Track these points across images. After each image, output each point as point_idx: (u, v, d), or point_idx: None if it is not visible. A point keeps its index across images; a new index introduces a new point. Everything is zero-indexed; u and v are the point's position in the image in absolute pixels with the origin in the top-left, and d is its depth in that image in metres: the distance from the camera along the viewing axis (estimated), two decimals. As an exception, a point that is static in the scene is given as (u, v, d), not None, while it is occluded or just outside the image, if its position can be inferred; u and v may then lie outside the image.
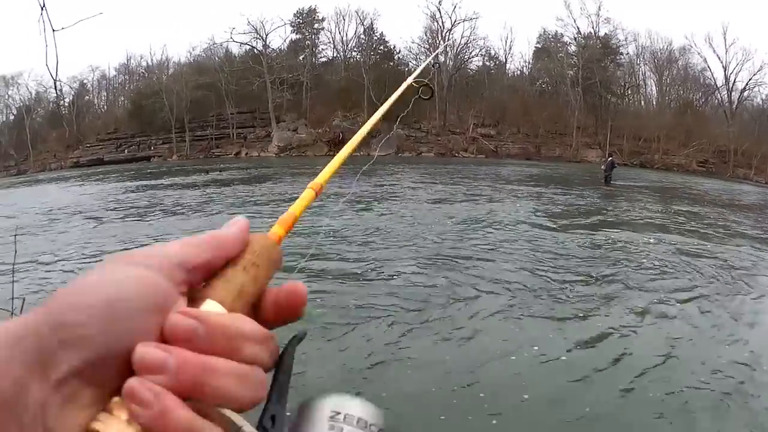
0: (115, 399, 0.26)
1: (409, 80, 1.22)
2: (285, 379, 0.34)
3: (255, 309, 0.34)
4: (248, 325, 0.30)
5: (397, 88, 1.13)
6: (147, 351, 0.26)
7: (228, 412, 0.29)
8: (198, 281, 0.32)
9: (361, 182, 18.94)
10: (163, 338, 0.28)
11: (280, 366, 0.34)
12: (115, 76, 59.31)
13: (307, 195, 0.51)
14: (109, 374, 0.26)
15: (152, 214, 11.57)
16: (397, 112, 1.24)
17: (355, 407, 0.33)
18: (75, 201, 14.53)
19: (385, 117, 0.93)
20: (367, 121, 0.83)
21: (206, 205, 12.99)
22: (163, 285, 0.29)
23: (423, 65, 1.36)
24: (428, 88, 1.25)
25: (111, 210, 12.19)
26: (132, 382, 0.26)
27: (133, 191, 17.51)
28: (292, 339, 0.36)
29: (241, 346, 0.29)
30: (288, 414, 0.33)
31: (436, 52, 1.64)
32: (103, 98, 61.22)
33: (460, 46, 44.50)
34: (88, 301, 0.26)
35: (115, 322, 0.26)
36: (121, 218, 10.99)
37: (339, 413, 0.33)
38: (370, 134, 0.78)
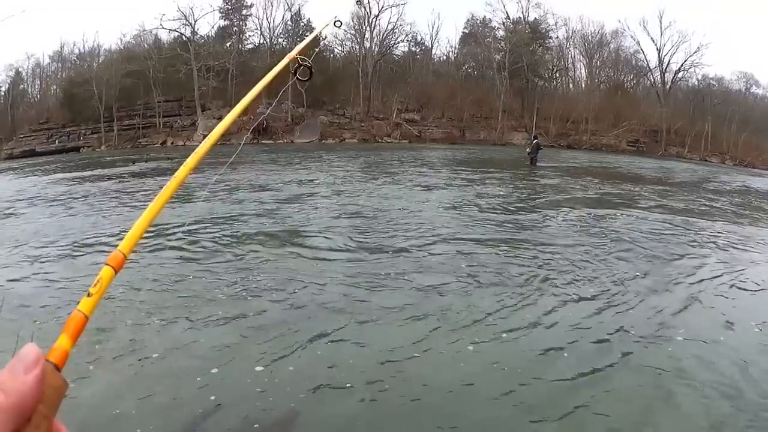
0: None
1: (293, 53, 1.11)
2: None
3: None
4: None
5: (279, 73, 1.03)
6: None
7: None
8: None
9: (286, 168, 19.05)
10: None
11: None
12: (49, 63, 57.99)
13: (104, 277, 0.44)
14: None
15: (76, 208, 10.96)
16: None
17: None
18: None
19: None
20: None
21: (130, 198, 12.45)
22: None
23: (309, 38, 1.27)
24: (307, 69, 1.16)
25: (33, 205, 11.48)
26: None
27: (58, 184, 16.63)
28: None
29: None
30: None
31: (325, 25, 1.48)
32: (36, 87, 59.87)
33: (387, 32, 44.22)
34: None
35: None
36: (43, 214, 10.32)
37: None
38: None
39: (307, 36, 1.71)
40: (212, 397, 3.23)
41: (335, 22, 1.60)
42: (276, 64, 1.19)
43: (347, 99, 42.21)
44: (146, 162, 25.19)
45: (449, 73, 46.23)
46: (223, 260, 6.18)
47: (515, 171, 19.14)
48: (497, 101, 43.16)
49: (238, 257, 6.36)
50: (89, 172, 21.00)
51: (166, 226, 7.53)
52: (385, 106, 42.80)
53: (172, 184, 0.61)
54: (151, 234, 7.00)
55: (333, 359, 3.76)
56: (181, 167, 0.65)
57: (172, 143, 44.07)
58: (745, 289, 5.67)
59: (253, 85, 1.05)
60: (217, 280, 5.45)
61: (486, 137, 42.42)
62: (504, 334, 4.20)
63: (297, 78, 1.15)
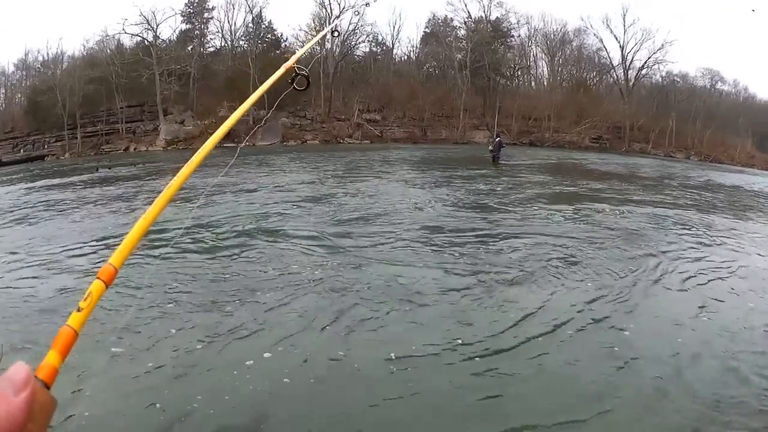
0: None
1: (290, 62, 1.08)
2: None
3: None
4: None
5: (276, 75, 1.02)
6: None
7: None
8: None
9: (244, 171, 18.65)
10: None
11: None
12: (14, 72, 57.52)
13: (95, 291, 0.42)
14: None
15: (40, 219, 10.55)
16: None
17: None
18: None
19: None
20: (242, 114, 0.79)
21: (94, 207, 12.04)
22: None
23: (307, 46, 1.19)
24: (304, 79, 1.14)
25: (11, 217, 11.00)
26: None
27: (22, 195, 16.15)
28: None
29: None
30: None
31: (324, 31, 1.37)
32: (1, 96, 59.29)
33: (348, 33, 44.39)
34: None
35: None
36: (19, 225, 9.91)
37: None
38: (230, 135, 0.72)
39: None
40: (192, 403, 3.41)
41: (333, 31, 1.59)
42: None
43: (308, 100, 42.29)
44: (109, 169, 25.16)
45: (410, 73, 46.57)
46: (208, 264, 6.34)
47: (489, 169, 19.45)
48: (458, 100, 43.50)
49: (233, 258, 6.51)
50: (49, 181, 20.58)
51: (161, 231, 7.46)
52: (346, 107, 42.97)
53: (164, 196, 0.58)
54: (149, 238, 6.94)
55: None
56: (174, 179, 0.64)
57: (135, 149, 43.94)
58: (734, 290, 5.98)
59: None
60: (208, 283, 5.62)
61: (447, 136, 42.72)
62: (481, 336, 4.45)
63: (294, 87, 1.13)
